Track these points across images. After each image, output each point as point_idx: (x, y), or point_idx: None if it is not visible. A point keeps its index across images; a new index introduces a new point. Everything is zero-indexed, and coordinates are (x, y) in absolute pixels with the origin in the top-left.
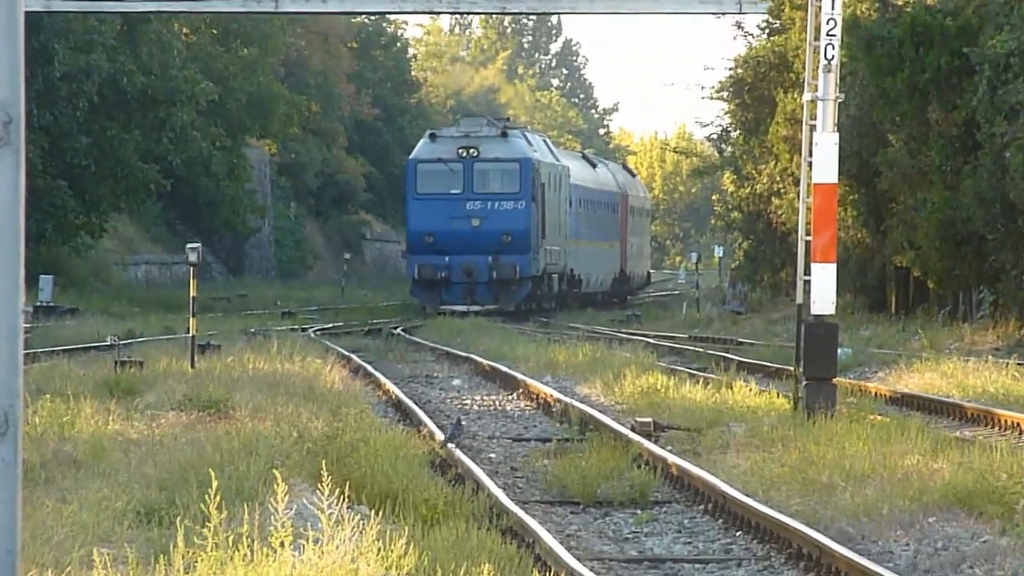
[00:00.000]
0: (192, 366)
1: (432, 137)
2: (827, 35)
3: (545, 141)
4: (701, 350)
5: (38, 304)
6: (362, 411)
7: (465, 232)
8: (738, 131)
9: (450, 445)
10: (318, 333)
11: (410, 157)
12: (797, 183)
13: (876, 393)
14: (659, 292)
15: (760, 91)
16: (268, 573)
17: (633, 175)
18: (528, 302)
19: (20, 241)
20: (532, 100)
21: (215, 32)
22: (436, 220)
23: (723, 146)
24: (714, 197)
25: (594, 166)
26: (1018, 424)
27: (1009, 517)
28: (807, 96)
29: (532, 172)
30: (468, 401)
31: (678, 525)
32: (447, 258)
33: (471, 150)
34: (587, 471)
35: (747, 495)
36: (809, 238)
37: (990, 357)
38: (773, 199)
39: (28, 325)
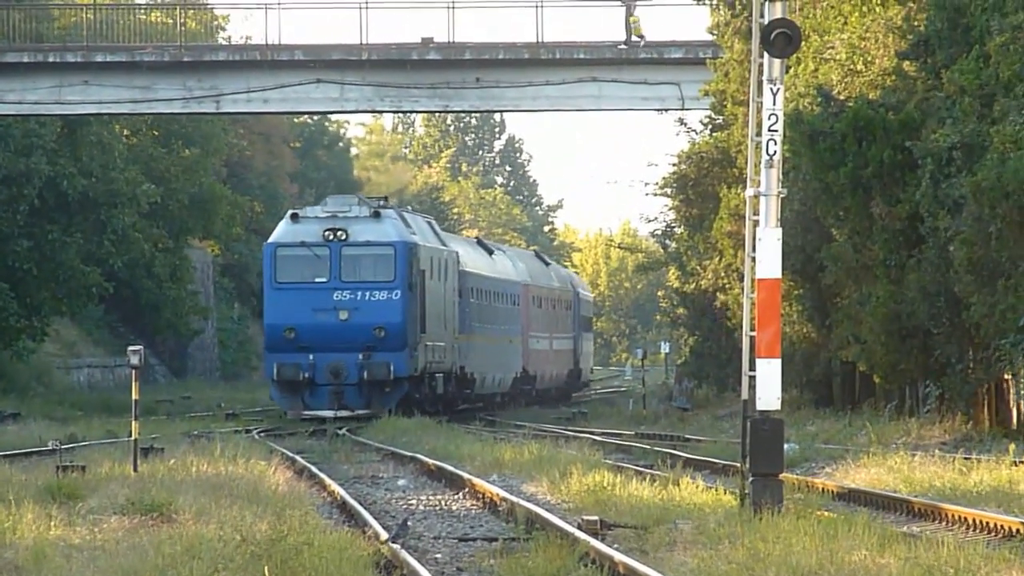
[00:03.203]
0: (135, 470)
1: (294, 218)
2: (769, 130)
3: (430, 223)
4: (648, 447)
5: None
6: (307, 513)
7: (331, 326)
8: (682, 227)
9: (395, 545)
10: (262, 435)
11: (268, 241)
12: (741, 278)
13: (823, 489)
14: (605, 389)
15: (704, 187)
16: None
17: (546, 263)
18: (405, 405)
19: None
20: (477, 198)
21: (156, 133)
22: (298, 312)
23: (668, 242)
24: (660, 293)
25: (490, 252)
26: (965, 519)
27: None
28: (750, 191)
29: (409, 257)
30: (414, 501)
31: None
32: (311, 356)
33: (339, 232)
34: (533, 570)
35: None
36: (754, 333)
37: (937, 451)
38: (718, 294)
39: None
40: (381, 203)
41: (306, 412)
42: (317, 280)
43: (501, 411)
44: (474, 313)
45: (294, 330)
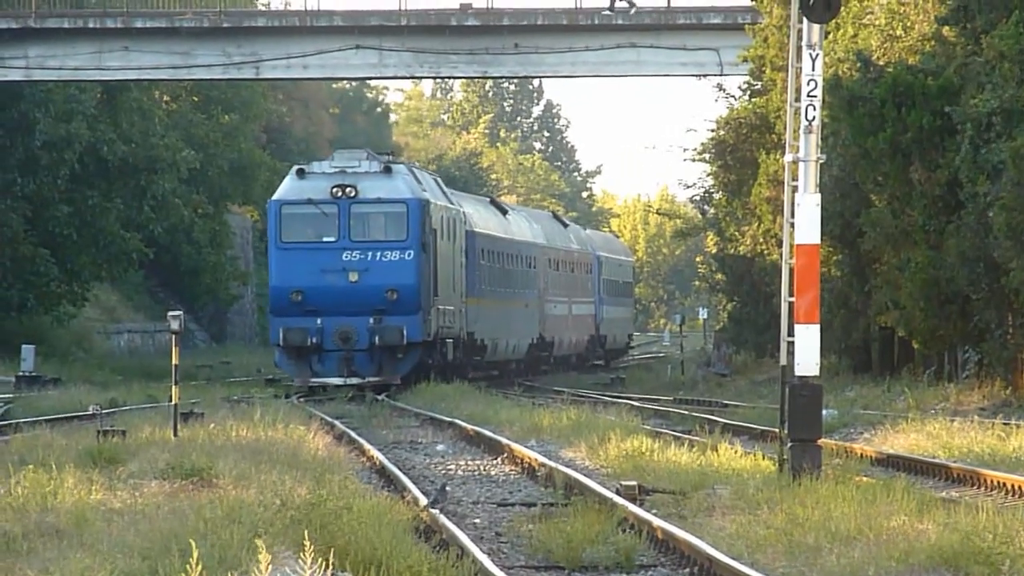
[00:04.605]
0: (175, 434)
1: (300, 174)
2: (808, 96)
3: (436, 180)
4: (686, 412)
5: (20, 374)
6: (346, 477)
7: (341, 288)
8: (721, 192)
9: (434, 510)
10: (301, 400)
11: (273, 198)
12: (780, 244)
13: (861, 454)
14: (643, 355)
15: (742, 152)
16: None
17: (565, 225)
18: (417, 373)
19: None
20: (515, 164)
21: (196, 99)
22: (305, 274)
23: (706, 207)
24: (698, 259)
25: (504, 212)
26: (1004, 484)
27: None
28: (789, 157)
29: (422, 216)
30: (452, 466)
31: None
32: (319, 320)
33: (348, 189)
34: (572, 535)
35: (733, 558)
36: (792, 299)
37: (976, 417)
38: (757, 260)
39: (10, 395)
40: (391, 158)
41: (314, 380)
42: (325, 240)
43: (517, 379)
44: (484, 275)
45: (301, 292)
